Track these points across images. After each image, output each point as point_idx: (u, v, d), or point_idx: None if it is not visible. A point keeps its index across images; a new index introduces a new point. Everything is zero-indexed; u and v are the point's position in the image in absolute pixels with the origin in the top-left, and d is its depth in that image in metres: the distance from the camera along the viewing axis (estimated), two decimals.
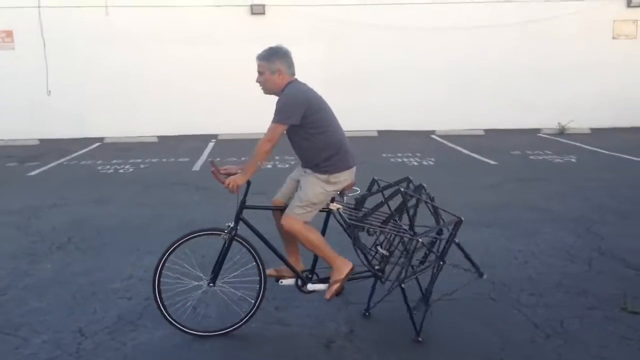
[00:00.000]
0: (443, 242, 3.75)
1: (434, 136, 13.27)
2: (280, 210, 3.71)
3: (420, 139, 12.72)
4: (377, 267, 3.73)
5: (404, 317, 3.60)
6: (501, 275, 4.56)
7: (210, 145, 12.50)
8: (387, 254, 3.70)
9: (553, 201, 7.02)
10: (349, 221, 3.67)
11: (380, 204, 3.72)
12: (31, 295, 4.35)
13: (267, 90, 3.66)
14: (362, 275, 3.79)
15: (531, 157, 10.40)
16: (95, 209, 7.03)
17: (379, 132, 13.50)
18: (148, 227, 6.18)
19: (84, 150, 11.96)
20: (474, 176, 8.69)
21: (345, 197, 3.78)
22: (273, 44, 3.64)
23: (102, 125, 13.43)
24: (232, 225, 3.60)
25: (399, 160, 10.33)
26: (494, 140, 12.44)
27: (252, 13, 13.58)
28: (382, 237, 3.79)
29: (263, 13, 13.56)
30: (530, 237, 5.60)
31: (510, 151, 10.90)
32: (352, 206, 3.82)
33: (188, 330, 3.64)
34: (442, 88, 13.79)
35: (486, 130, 13.59)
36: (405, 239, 3.62)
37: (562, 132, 13.47)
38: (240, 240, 3.64)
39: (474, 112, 13.86)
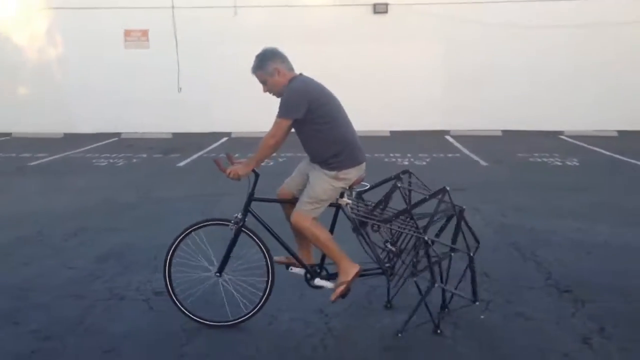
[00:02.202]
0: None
1: (562, 136, 12.85)
2: (289, 202, 3.70)
3: (548, 139, 12.36)
4: (387, 265, 3.65)
5: None
6: None
7: None
8: (395, 250, 3.62)
9: None
10: (352, 216, 3.61)
11: (385, 200, 3.69)
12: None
13: (277, 93, 3.60)
14: (372, 272, 3.71)
15: None
16: None
17: (503, 131, 13.23)
18: None
19: (216, 144, 12.45)
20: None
21: (353, 192, 3.71)
22: (267, 47, 3.63)
23: (229, 120, 13.90)
24: (240, 217, 3.61)
25: (539, 160, 10.07)
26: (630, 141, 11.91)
27: (375, 12, 13.66)
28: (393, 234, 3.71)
29: (386, 12, 13.62)
30: None
31: None
32: (363, 202, 3.76)
33: (197, 319, 3.68)
34: (569, 86, 13.32)
35: (618, 131, 13.04)
36: (414, 237, 3.53)
37: None
38: (248, 232, 3.63)
39: (602, 111, 13.29)
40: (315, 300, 4.03)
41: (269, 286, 3.66)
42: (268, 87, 3.60)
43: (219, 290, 3.83)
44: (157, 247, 5.04)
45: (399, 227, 3.65)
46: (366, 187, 3.85)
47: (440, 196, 3.59)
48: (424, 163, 9.95)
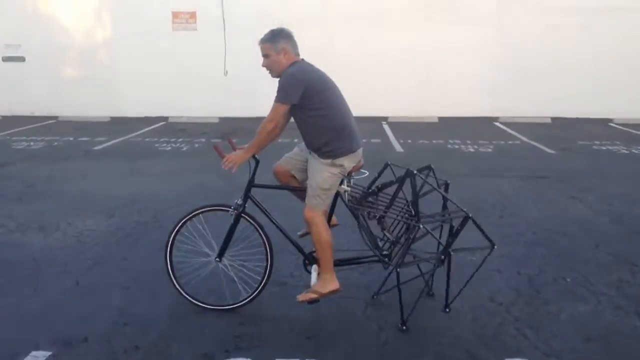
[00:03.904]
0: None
1: (612, 124, 12.90)
2: (289, 189, 3.81)
3: (599, 127, 12.42)
4: (385, 253, 3.67)
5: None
6: None
7: (384, 126, 12.71)
8: (393, 239, 3.63)
9: None
10: (348, 204, 3.63)
11: (383, 188, 3.72)
12: None
13: (275, 73, 3.57)
14: (369, 259, 3.76)
15: None
16: None
17: (553, 118, 13.28)
18: None
19: None
20: None
21: (352, 179, 3.73)
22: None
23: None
24: (240, 202, 3.66)
25: (603, 147, 10.13)
26: None
27: None
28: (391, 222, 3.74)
29: None
30: None
31: None
32: (362, 188, 3.78)
33: (199, 304, 3.78)
34: (616, 73, 13.32)
35: None
36: (409, 225, 3.54)
37: None
38: (247, 218, 3.68)
39: None
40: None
41: (267, 271, 3.73)
42: (269, 62, 3.57)
43: (219, 274, 3.92)
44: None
45: (395, 215, 3.68)
46: (365, 174, 3.90)
47: (426, 172, 3.70)
48: (490, 150, 10.00)
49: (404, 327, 3.55)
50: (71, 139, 11.14)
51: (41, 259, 4.77)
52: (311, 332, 3.60)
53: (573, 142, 10.53)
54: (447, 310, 3.64)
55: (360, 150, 3.69)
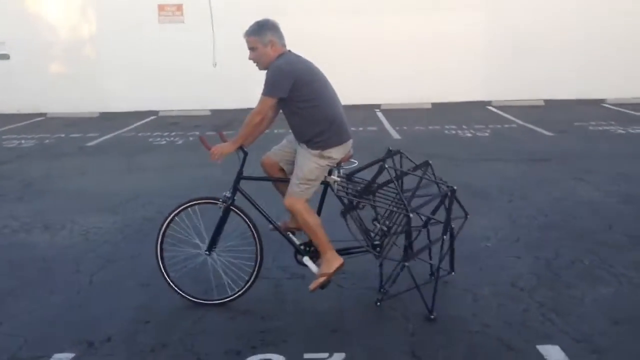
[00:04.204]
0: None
1: (605, 104, 12.97)
2: (277, 180, 3.78)
3: (592, 107, 12.48)
4: (376, 243, 3.63)
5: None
6: None
7: (377, 113, 12.66)
8: (385, 229, 3.59)
9: None
10: (337, 193, 3.62)
11: (374, 178, 3.63)
12: None
13: (262, 65, 3.53)
14: (359, 250, 3.70)
15: None
16: None
17: (546, 101, 13.32)
18: None
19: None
20: None
21: (342, 170, 3.71)
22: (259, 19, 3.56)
23: None
24: (229, 195, 3.65)
25: (599, 128, 10.18)
26: None
27: None
28: (381, 212, 3.71)
29: None
30: None
31: None
32: (351, 179, 3.75)
33: (189, 297, 3.76)
34: (607, 52, 13.36)
35: None
36: (399, 214, 3.52)
37: None
38: (237, 210, 3.66)
39: None
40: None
41: (257, 264, 3.69)
42: (256, 55, 3.52)
43: (207, 268, 3.87)
44: None
45: (385, 205, 3.63)
46: (354, 164, 3.87)
47: (423, 169, 3.66)
48: (487, 134, 10.01)
49: (432, 317, 3.51)
50: (62, 135, 10.95)
51: (51, 259, 4.67)
52: (335, 325, 3.55)
53: (569, 124, 10.56)
54: (453, 272, 3.72)
55: (350, 142, 3.65)
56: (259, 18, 3.62)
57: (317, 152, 3.49)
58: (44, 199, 6.52)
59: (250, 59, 3.56)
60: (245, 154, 3.63)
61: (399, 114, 12.41)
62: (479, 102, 13.46)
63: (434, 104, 13.46)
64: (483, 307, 3.69)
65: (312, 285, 3.61)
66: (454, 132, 10.26)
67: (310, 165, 3.50)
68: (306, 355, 3.18)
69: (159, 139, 10.45)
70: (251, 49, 3.51)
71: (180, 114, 13.38)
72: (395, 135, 10.15)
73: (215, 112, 13.55)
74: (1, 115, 13.53)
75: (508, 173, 7.15)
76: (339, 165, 3.64)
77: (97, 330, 3.50)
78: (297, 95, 3.43)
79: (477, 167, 7.56)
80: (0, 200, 6.52)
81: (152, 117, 13.14)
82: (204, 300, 3.79)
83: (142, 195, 6.56)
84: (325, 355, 3.18)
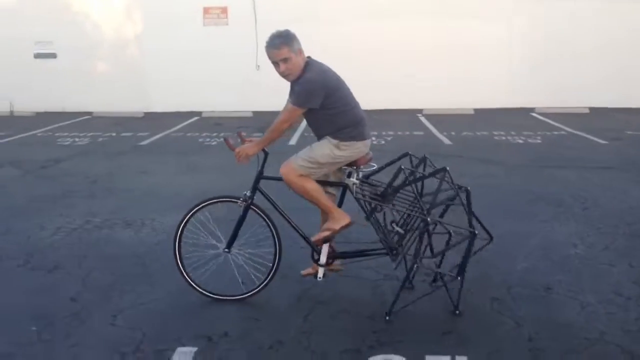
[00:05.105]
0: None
1: None
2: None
3: (634, 116, 12.34)
4: (394, 246, 3.63)
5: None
6: None
7: (420, 118, 12.64)
8: (402, 232, 3.60)
9: None
10: (356, 196, 3.61)
11: (392, 181, 3.64)
12: None
13: (294, 75, 3.51)
14: (377, 252, 3.73)
15: None
16: None
17: (591, 109, 13.21)
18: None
19: (304, 122, 12.37)
20: None
21: (360, 172, 3.71)
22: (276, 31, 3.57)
23: None
24: (249, 194, 3.68)
25: None
26: None
27: None
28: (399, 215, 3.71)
29: None
30: None
31: None
32: (371, 182, 3.75)
33: (207, 294, 3.79)
34: None
35: None
36: (418, 218, 3.53)
37: None
38: (256, 209, 3.70)
39: None
40: None
41: (276, 261, 3.74)
42: (289, 66, 3.49)
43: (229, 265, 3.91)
44: None
45: (404, 209, 3.65)
46: (374, 168, 3.87)
47: (441, 174, 3.60)
48: (538, 141, 9.95)
49: (457, 312, 3.57)
50: (114, 134, 11.09)
51: (143, 255, 4.73)
52: (445, 327, 3.54)
53: (620, 132, 10.47)
54: (458, 277, 3.65)
55: (369, 141, 3.71)
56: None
57: (335, 141, 3.54)
58: (114, 196, 6.60)
59: (281, 71, 3.52)
60: (266, 154, 3.68)
61: (443, 119, 12.38)
62: (521, 109, 13.38)
63: (476, 110, 13.41)
64: (592, 314, 3.65)
65: (316, 238, 3.68)
66: (503, 138, 10.22)
67: (324, 150, 3.56)
68: (428, 358, 3.18)
69: (208, 139, 10.55)
70: (283, 60, 3.47)
71: (222, 115, 13.48)
72: (445, 140, 10.13)
73: (257, 114, 13.60)
74: (48, 113, 13.76)
75: (572, 180, 7.10)
76: (357, 167, 3.67)
77: (212, 326, 3.53)
78: (327, 104, 3.48)
79: (538, 173, 7.52)
80: (72, 196, 6.61)
81: (195, 118, 13.27)
82: (225, 297, 3.83)
83: (209, 193, 6.56)
84: (447, 358, 3.17)
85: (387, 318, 3.55)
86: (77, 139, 10.47)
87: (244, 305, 3.83)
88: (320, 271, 3.82)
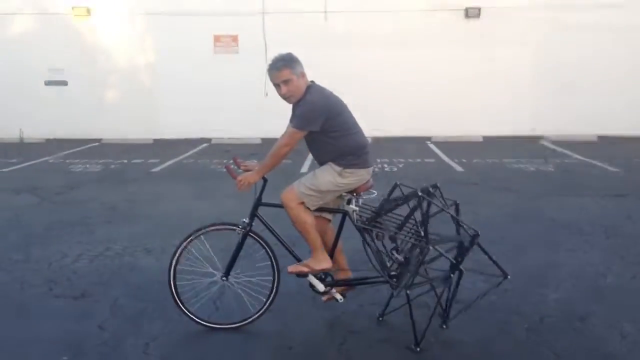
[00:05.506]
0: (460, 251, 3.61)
1: None
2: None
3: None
4: (392, 274, 3.61)
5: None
6: None
7: (429, 145, 12.67)
8: (402, 260, 3.56)
9: None
10: (356, 223, 3.57)
11: (393, 208, 3.64)
12: None
13: (295, 98, 3.51)
14: (376, 280, 3.70)
15: None
16: None
17: (599, 137, 13.25)
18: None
19: None
20: None
21: (361, 199, 3.68)
22: (288, 52, 3.61)
23: None
24: (247, 221, 3.65)
25: None
26: None
27: (467, 16, 13.70)
28: (400, 243, 3.69)
29: (478, 16, 13.66)
30: None
31: None
32: (371, 209, 3.70)
33: (202, 322, 3.74)
34: None
35: None
36: (418, 246, 3.48)
37: None
38: (255, 236, 3.68)
39: None
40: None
41: (274, 289, 3.73)
42: (290, 88, 3.49)
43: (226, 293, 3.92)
44: None
45: (403, 237, 3.62)
46: (374, 195, 3.85)
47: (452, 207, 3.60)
48: (551, 169, 9.95)
49: (418, 349, 3.45)
50: (125, 161, 11.09)
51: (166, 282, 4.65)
52: (483, 358, 3.48)
53: (629, 160, 10.47)
54: (444, 327, 3.61)
55: (370, 169, 3.68)
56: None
57: (339, 168, 3.52)
58: (133, 223, 6.56)
59: (283, 93, 3.52)
60: (265, 181, 3.67)
61: (452, 147, 12.42)
62: (529, 137, 13.42)
63: (485, 137, 13.45)
64: (634, 344, 3.60)
65: (291, 268, 3.68)
66: (515, 165, 10.22)
67: (327, 177, 3.53)
68: None
69: (219, 166, 10.53)
70: (284, 82, 3.48)
71: (231, 142, 13.51)
72: (457, 167, 10.14)
73: (266, 141, 13.62)
74: (57, 140, 13.78)
75: (589, 208, 7.07)
76: (357, 194, 3.63)
77: (245, 357, 3.47)
78: (328, 127, 3.47)
79: (555, 201, 7.49)
80: (91, 222, 6.57)
81: (205, 145, 13.29)
82: (215, 325, 3.79)
83: (226, 218, 6.53)
84: None
85: (418, 349, 3.47)
86: (88, 166, 10.47)
87: (274, 336, 3.77)
88: (337, 294, 3.80)
